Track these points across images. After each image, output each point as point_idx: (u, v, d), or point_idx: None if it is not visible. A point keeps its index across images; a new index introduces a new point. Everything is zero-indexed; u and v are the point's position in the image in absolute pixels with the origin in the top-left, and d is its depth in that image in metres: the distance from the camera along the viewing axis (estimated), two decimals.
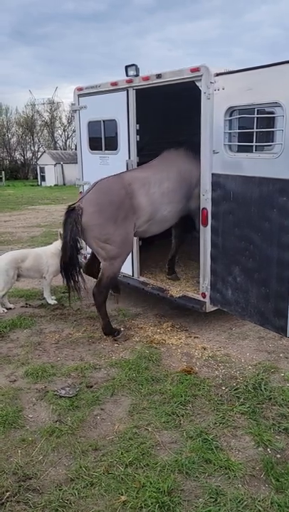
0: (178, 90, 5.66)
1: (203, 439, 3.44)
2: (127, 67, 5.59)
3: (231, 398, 4.01)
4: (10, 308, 6.34)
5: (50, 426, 3.65)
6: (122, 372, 4.49)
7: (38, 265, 6.29)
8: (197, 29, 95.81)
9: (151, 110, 6.34)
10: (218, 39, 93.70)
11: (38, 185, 42.40)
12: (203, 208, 5.00)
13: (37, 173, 45.76)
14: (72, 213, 5.00)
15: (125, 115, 5.80)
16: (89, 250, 5.90)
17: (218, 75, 4.57)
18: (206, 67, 4.65)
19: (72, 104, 6.85)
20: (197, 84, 4.77)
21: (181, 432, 3.56)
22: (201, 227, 5.07)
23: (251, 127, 4.33)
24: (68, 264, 5.10)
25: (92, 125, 6.51)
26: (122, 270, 6.35)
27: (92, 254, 5.63)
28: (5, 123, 56.04)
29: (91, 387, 4.25)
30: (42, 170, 43.67)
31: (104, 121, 6.25)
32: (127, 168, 5.81)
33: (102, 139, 6.36)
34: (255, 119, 4.29)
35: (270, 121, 4.39)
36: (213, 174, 4.79)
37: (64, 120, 58.00)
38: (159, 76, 5.25)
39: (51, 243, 6.68)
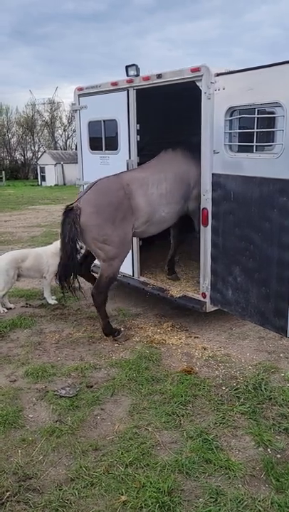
0: (178, 90, 5.66)
1: (204, 439, 3.44)
2: (127, 67, 5.60)
3: (231, 398, 4.01)
4: (10, 308, 6.34)
5: (51, 426, 3.65)
6: (122, 372, 4.49)
7: (39, 265, 6.29)
8: (197, 29, 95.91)
9: (152, 110, 6.34)
10: (218, 39, 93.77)
11: (38, 185, 42.41)
12: (203, 208, 5.00)
13: (37, 173, 45.77)
14: (70, 213, 4.99)
15: (126, 115, 5.80)
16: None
17: (218, 75, 4.57)
18: (206, 67, 4.65)
19: (73, 104, 6.85)
20: (198, 84, 4.77)
21: (181, 432, 3.56)
22: (202, 227, 5.07)
23: (252, 127, 4.33)
24: (68, 264, 5.08)
25: (93, 125, 6.51)
26: (122, 270, 6.36)
27: (83, 255, 5.60)
28: (5, 123, 56.08)
29: (91, 387, 4.25)
30: (42, 170, 43.67)
31: (104, 121, 6.25)
32: (128, 168, 5.81)
33: (103, 138, 6.36)
34: (256, 119, 4.29)
35: (271, 122, 4.39)
36: (213, 174, 4.79)
37: (64, 120, 58.09)
38: (159, 76, 5.25)
39: (51, 243, 6.68)
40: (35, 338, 5.39)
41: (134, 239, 6.00)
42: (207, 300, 5.17)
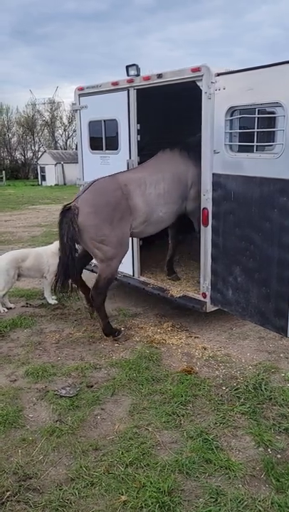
0: (178, 90, 5.66)
1: (204, 439, 3.44)
2: (127, 66, 5.59)
3: (232, 398, 4.01)
4: (10, 308, 6.34)
5: (51, 426, 3.65)
6: (122, 372, 4.49)
7: (39, 265, 6.29)
8: (198, 29, 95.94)
9: (152, 110, 6.34)
10: (219, 39, 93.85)
11: (38, 184, 42.42)
12: (203, 208, 5.00)
13: (37, 173, 45.77)
14: (67, 213, 4.96)
15: (126, 115, 5.80)
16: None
17: (219, 74, 4.57)
18: (206, 67, 4.65)
19: (73, 103, 6.85)
20: (198, 84, 4.76)
21: (181, 432, 3.56)
22: (202, 227, 5.07)
23: (252, 127, 4.33)
24: (68, 264, 5.06)
25: (93, 125, 6.51)
26: (122, 270, 6.37)
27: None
28: (5, 122, 56.08)
29: (91, 386, 4.25)
30: (42, 170, 43.68)
31: (105, 120, 6.25)
32: (128, 168, 5.81)
33: (103, 138, 6.36)
34: (256, 119, 4.29)
35: (271, 121, 4.39)
36: (213, 174, 4.79)
37: (64, 120, 58.08)
38: (159, 76, 5.25)
39: (52, 243, 6.68)
40: (36, 337, 5.39)
41: (135, 239, 6.00)
42: (207, 300, 5.17)
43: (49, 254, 6.29)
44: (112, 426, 3.67)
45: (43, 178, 43.33)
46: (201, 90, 4.73)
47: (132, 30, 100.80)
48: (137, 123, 5.73)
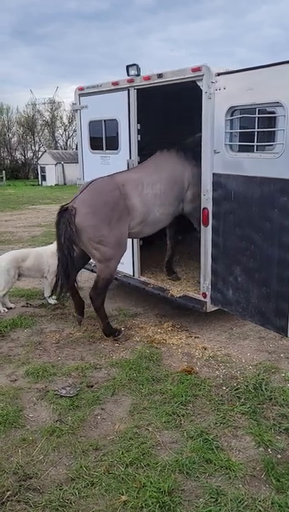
0: (179, 90, 5.66)
1: (204, 439, 3.44)
2: (128, 66, 5.59)
3: (232, 398, 4.01)
4: (11, 308, 6.34)
5: (51, 425, 3.65)
6: (122, 372, 4.49)
7: (39, 265, 6.29)
8: (200, 29, 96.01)
9: (152, 110, 6.34)
10: (220, 39, 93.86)
11: (38, 184, 42.44)
12: (204, 208, 5.00)
13: (38, 173, 45.78)
14: (65, 214, 4.93)
15: (126, 115, 5.79)
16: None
17: (219, 74, 4.57)
18: (207, 67, 4.64)
19: (73, 103, 6.85)
20: (198, 83, 4.76)
21: (181, 432, 3.56)
22: (202, 227, 5.07)
23: (252, 127, 4.33)
24: (67, 264, 5.02)
25: (93, 125, 6.51)
26: (122, 270, 6.37)
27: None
28: (6, 122, 56.10)
29: (92, 386, 4.25)
30: (43, 169, 43.69)
31: (105, 120, 6.25)
32: (128, 168, 5.81)
33: (103, 138, 6.36)
34: (256, 118, 4.29)
35: (271, 121, 4.39)
36: (214, 174, 4.79)
37: (65, 120, 58.11)
38: (160, 76, 5.24)
39: (52, 243, 6.67)
40: (36, 337, 5.39)
41: (135, 239, 6.00)
42: (207, 300, 5.17)
43: (49, 254, 6.29)
44: (112, 426, 3.66)
45: (43, 178, 43.35)
46: (201, 90, 4.73)
47: (132, 30, 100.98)
48: (137, 123, 5.73)
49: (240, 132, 4.53)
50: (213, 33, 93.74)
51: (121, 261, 6.13)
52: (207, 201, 4.93)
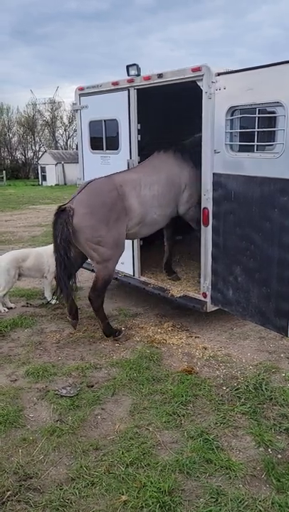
0: (179, 90, 5.66)
1: (204, 439, 3.44)
2: (128, 66, 5.59)
3: (232, 398, 4.01)
4: (11, 308, 6.34)
5: (51, 425, 3.65)
6: (122, 371, 4.49)
7: (39, 265, 6.29)
8: (200, 29, 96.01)
9: (152, 110, 6.34)
10: (220, 39, 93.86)
11: (39, 184, 42.46)
12: (204, 208, 5.00)
13: (38, 173, 45.80)
14: (62, 214, 4.90)
15: (126, 115, 5.79)
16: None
17: (219, 74, 4.57)
18: (207, 67, 4.64)
19: (74, 103, 6.84)
20: (198, 83, 4.76)
21: (182, 432, 3.56)
22: (202, 226, 5.07)
23: (252, 127, 4.33)
24: (66, 265, 4.98)
25: (94, 125, 6.51)
26: (123, 270, 6.37)
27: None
28: (6, 122, 56.13)
29: (92, 386, 4.25)
30: (43, 169, 43.72)
31: (105, 120, 6.25)
32: (129, 168, 5.81)
33: (104, 138, 6.36)
34: (257, 118, 4.29)
35: (272, 121, 4.39)
36: (214, 174, 4.79)
37: (65, 120, 58.15)
38: (160, 76, 5.24)
39: (52, 243, 6.67)
40: (36, 337, 5.39)
41: (135, 239, 6.00)
42: (208, 300, 5.17)
43: (49, 254, 6.28)
44: (112, 426, 3.66)
45: (44, 178, 43.37)
46: (201, 90, 4.73)
47: (132, 30, 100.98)
48: (138, 123, 5.73)
49: (240, 132, 4.53)
50: (213, 33, 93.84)
51: (121, 261, 6.13)
52: (207, 201, 4.93)
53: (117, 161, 6.05)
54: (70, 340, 5.31)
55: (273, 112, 4.29)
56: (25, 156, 56.69)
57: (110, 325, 5.33)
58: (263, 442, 3.42)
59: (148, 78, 5.41)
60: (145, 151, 5.92)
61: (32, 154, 56.49)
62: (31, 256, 6.29)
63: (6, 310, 6.24)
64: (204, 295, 5.21)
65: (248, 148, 4.43)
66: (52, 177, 41.90)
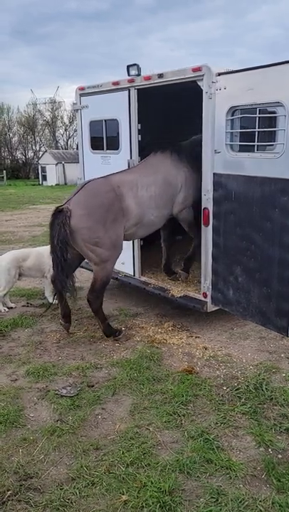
0: (179, 90, 5.66)
1: (205, 439, 3.44)
2: (128, 66, 5.59)
3: (232, 398, 4.01)
4: (11, 308, 6.35)
5: (52, 425, 3.65)
6: (123, 371, 4.49)
7: (40, 264, 6.29)
8: (200, 29, 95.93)
9: (153, 110, 6.34)
10: (220, 39, 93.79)
11: (39, 184, 42.44)
12: (204, 208, 5.00)
13: (38, 173, 45.79)
14: (59, 215, 4.87)
15: (127, 115, 5.79)
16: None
17: (219, 74, 4.57)
18: (207, 67, 4.64)
19: (74, 103, 6.84)
20: (199, 83, 4.76)
21: (182, 432, 3.56)
22: (203, 227, 5.07)
23: (253, 127, 4.33)
24: (63, 266, 4.94)
25: (94, 125, 6.51)
26: (123, 270, 6.37)
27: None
28: (6, 122, 56.14)
29: (92, 386, 4.25)
30: (43, 169, 43.71)
31: (105, 120, 6.25)
32: (128, 168, 5.80)
33: (104, 138, 6.36)
34: (257, 118, 4.29)
35: (272, 121, 4.39)
36: (214, 174, 4.78)
37: (65, 119, 58.14)
38: (160, 76, 5.24)
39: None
40: (36, 337, 5.39)
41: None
42: (208, 300, 5.17)
43: (50, 254, 6.29)
44: (112, 425, 3.67)
45: (44, 177, 43.37)
46: (201, 90, 4.73)
47: (132, 30, 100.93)
48: (138, 123, 5.72)
49: (240, 132, 4.53)
50: (213, 33, 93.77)
51: (122, 261, 6.13)
52: (208, 201, 4.93)
53: (118, 160, 6.05)
54: (70, 340, 5.31)
55: (274, 112, 4.29)
56: (25, 156, 56.72)
57: (110, 325, 5.33)
58: (264, 442, 3.42)
59: (148, 78, 5.41)
60: (146, 151, 5.92)
61: (32, 154, 56.53)
62: (32, 256, 6.29)
63: (7, 310, 6.24)
64: (205, 295, 5.21)
65: (249, 149, 4.43)
66: (52, 177, 41.89)
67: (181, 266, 6.78)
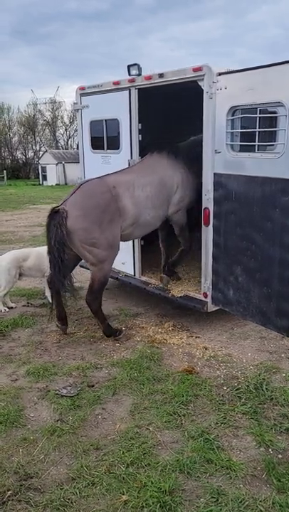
0: (179, 90, 5.66)
1: (205, 438, 3.44)
2: (129, 66, 5.59)
3: (233, 398, 4.01)
4: (11, 308, 6.35)
5: (52, 425, 3.65)
6: (123, 371, 4.49)
7: (40, 264, 6.28)
8: (200, 29, 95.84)
9: (153, 110, 6.33)
10: (220, 39, 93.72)
11: (39, 184, 42.45)
12: (205, 208, 5.00)
13: (38, 173, 45.81)
14: (55, 216, 4.87)
15: (127, 114, 5.79)
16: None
17: (220, 74, 4.57)
18: (208, 67, 4.64)
19: (75, 103, 6.84)
20: (199, 83, 4.76)
21: (182, 432, 3.55)
22: (203, 226, 5.07)
23: (253, 127, 4.33)
24: (60, 267, 4.93)
25: (94, 124, 6.51)
26: (124, 270, 6.37)
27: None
28: (7, 122, 56.16)
29: (92, 386, 4.25)
30: (43, 169, 43.73)
31: (106, 120, 6.25)
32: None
33: (105, 138, 6.35)
34: (258, 118, 4.29)
35: (273, 121, 4.39)
36: (215, 174, 4.78)
37: (66, 119, 58.14)
38: (161, 75, 5.24)
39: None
40: (37, 337, 5.39)
41: (136, 239, 6.00)
42: (208, 300, 5.17)
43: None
44: (113, 425, 3.67)
45: (44, 177, 43.38)
46: (202, 90, 4.72)
47: (133, 30, 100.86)
48: (139, 122, 5.72)
49: (241, 132, 4.53)
50: (213, 33, 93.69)
51: (122, 261, 6.13)
52: (208, 201, 4.93)
53: (118, 160, 6.05)
54: (70, 340, 5.31)
55: (274, 112, 4.28)
56: (25, 156, 56.72)
57: (110, 325, 5.33)
58: (264, 442, 3.42)
59: (149, 78, 5.41)
60: (146, 151, 5.91)
61: (33, 154, 56.54)
62: (32, 256, 6.29)
63: (7, 310, 6.24)
64: (205, 295, 5.21)
65: (249, 148, 4.43)
66: (52, 177, 41.90)
67: (181, 266, 6.78)
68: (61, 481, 3.06)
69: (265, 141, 4.47)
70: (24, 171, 54.04)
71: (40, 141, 58.46)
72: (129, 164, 5.87)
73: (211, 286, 5.10)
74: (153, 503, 2.83)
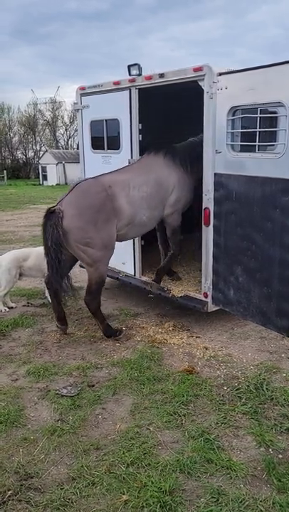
0: (179, 90, 5.66)
1: (205, 438, 3.44)
2: (129, 66, 5.58)
3: (233, 398, 4.01)
4: (12, 307, 6.35)
5: (52, 425, 3.65)
6: (123, 371, 4.49)
7: (40, 264, 6.27)
8: (200, 29, 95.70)
9: (154, 110, 6.34)
10: (221, 39, 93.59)
11: (39, 184, 42.45)
12: (205, 208, 5.00)
13: (39, 173, 45.81)
14: (51, 216, 4.87)
15: (128, 114, 5.79)
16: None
17: (220, 74, 4.57)
18: (208, 67, 4.64)
19: (75, 103, 6.84)
20: (200, 83, 4.76)
21: (182, 432, 3.56)
22: (203, 226, 5.07)
23: (254, 127, 4.33)
24: (57, 268, 4.93)
25: (95, 124, 6.51)
26: (124, 270, 6.37)
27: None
28: (7, 122, 56.18)
29: (93, 386, 4.25)
30: (44, 169, 43.73)
31: (106, 120, 6.25)
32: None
33: (105, 138, 6.36)
34: (258, 118, 4.29)
35: (273, 121, 4.39)
36: (215, 174, 4.78)
37: (66, 119, 58.15)
38: (161, 75, 5.24)
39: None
40: (37, 337, 5.40)
41: (136, 239, 5.99)
42: (209, 300, 5.17)
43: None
44: (113, 425, 3.67)
45: (45, 177, 43.38)
46: (202, 90, 4.72)
47: (133, 30, 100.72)
48: (139, 122, 5.72)
49: (241, 132, 4.53)
50: (213, 33, 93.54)
51: (122, 261, 6.14)
52: (208, 201, 4.93)
53: (118, 160, 6.05)
54: (70, 339, 5.31)
55: (275, 112, 4.28)
56: (26, 156, 56.73)
57: (110, 326, 5.33)
58: (264, 442, 3.42)
59: (149, 78, 5.41)
60: (146, 151, 5.92)
61: (33, 154, 56.55)
62: (32, 255, 6.29)
63: (7, 309, 6.25)
64: (205, 295, 5.21)
65: (250, 149, 4.43)
66: (53, 177, 41.90)
67: (182, 266, 6.78)
68: (61, 481, 3.06)
69: (266, 141, 4.48)
70: (24, 171, 54.05)
71: (41, 141, 58.53)
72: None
73: (211, 286, 5.10)
74: (153, 503, 2.83)
